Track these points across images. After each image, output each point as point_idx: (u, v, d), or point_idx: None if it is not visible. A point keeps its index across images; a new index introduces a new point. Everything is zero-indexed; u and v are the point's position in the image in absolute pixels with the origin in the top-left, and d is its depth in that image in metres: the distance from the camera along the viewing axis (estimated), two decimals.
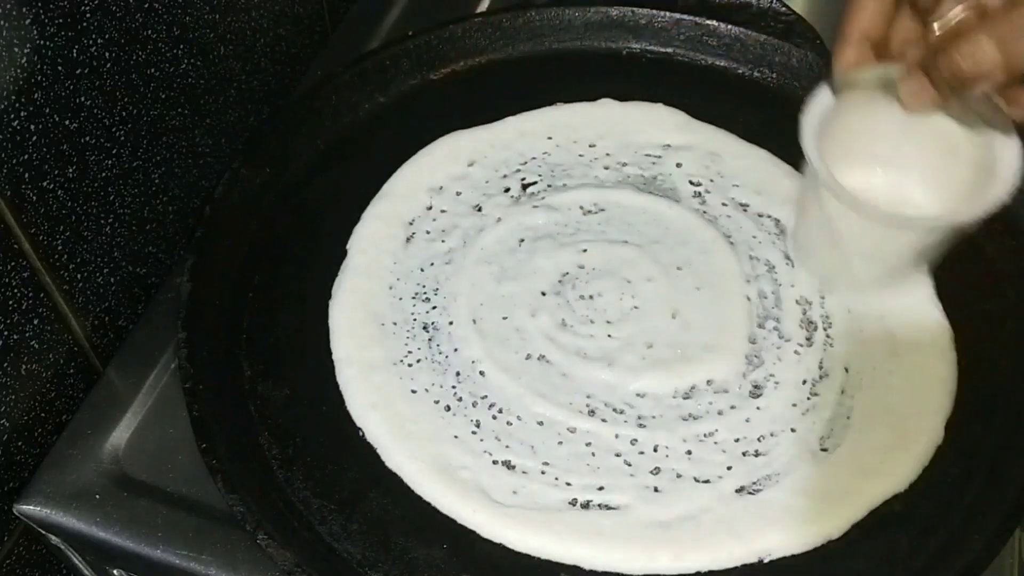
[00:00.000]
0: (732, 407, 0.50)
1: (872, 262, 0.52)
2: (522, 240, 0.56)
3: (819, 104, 0.50)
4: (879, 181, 0.52)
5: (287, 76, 0.69)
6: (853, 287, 0.54)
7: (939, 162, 0.51)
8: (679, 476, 0.48)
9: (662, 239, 0.56)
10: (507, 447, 0.49)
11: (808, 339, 0.52)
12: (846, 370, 0.51)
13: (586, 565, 0.46)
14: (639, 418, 0.50)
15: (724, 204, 0.58)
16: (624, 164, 0.60)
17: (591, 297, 0.54)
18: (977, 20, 0.45)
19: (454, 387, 0.51)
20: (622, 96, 0.63)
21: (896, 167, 0.52)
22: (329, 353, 0.53)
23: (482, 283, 0.55)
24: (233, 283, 0.55)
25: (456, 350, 0.52)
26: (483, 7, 0.75)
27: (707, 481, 0.48)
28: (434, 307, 0.54)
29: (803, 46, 0.64)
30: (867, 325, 0.53)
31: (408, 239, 0.57)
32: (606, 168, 0.60)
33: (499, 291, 0.54)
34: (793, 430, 0.49)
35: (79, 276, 0.54)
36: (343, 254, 0.56)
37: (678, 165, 0.60)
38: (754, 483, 0.48)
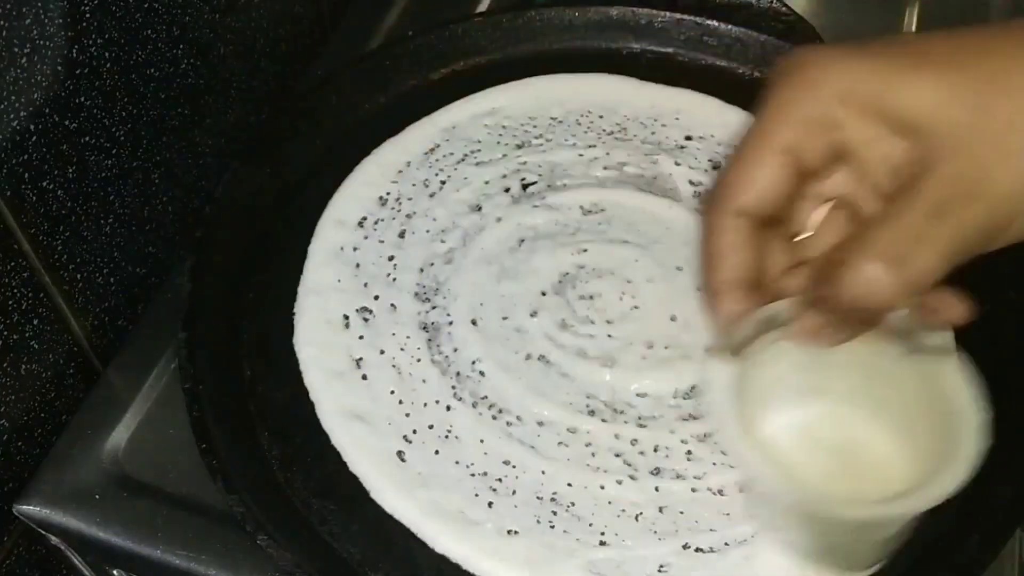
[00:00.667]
0: None
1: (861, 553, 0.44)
2: (522, 240, 0.56)
3: (720, 389, 0.41)
4: (814, 413, 0.44)
5: (287, 76, 0.69)
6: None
7: (875, 387, 0.43)
8: (679, 476, 0.48)
9: (662, 239, 0.56)
10: (507, 447, 0.49)
11: None
12: None
13: None
14: (639, 418, 0.50)
15: None
16: (624, 164, 0.60)
17: (591, 297, 0.54)
18: (853, 229, 0.39)
19: (454, 387, 0.51)
20: None
21: (828, 396, 0.44)
22: None
23: (482, 283, 0.55)
24: (233, 283, 0.55)
25: (456, 350, 0.52)
26: (483, 7, 0.75)
27: (707, 481, 0.48)
28: (434, 307, 0.54)
29: (804, 46, 0.64)
30: None
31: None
32: (606, 168, 0.60)
33: (499, 291, 0.54)
34: None
35: (79, 276, 0.54)
36: None
37: (677, 164, 0.60)
38: (752, 481, 0.48)
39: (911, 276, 0.36)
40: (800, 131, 0.39)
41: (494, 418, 0.50)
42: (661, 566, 0.45)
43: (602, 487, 0.48)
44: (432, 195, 0.58)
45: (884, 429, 0.44)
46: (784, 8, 0.65)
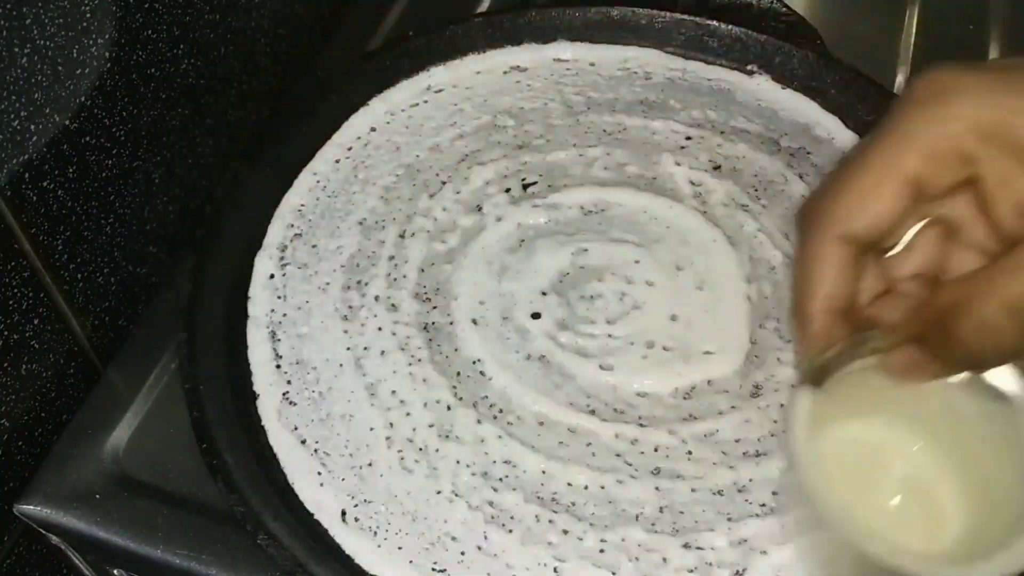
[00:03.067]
0: (732, 407, 0.50)
1: None
2: (522, 240, 0.56)
3: (801, 412, 0.39)
4: (887, 436, 0.43)
5: (287, 76, 0.69)
6: None
7: (955, 428, 0.41)
8: (679, 476, 0.48)
9: (663, 239, 0.56)
10: (507, 447, 0.49)
11: None
12: None
13: None
14: (639, 418, 0.50)
15: (725, 205, 0.58)
16: (624, 164, 0.60)
17: (591, 297, 0.54)
18: (980, 266, 0.37)
19: (454, 387, 0.51)
20: None
21: (905, 423, 0.43)
22: None
23: (482, 283, 0.55)
24: (233, 283, 0.55)
25: (456, 350, 0.52)
26: (483, 7, 0.75)
27: (708, 481, 0.48)
28: (434, 307, 0.54)
29: (803, 46, 0.64)
30: None
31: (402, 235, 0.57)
32: (606, 168, 0.60)
33: (499, 291, 0.54)
34: None
35: (79, 276, 0.54)
36: None
37: (677, 164, 0.60)
38: (752, 481, 0.48)
39: None
40: (928, 163, 0.36)
41: (494, 418, 0.50)
42: (661, 566, 0.45)
43: (602, 487, 0.48)
44: (431, 195, 0.58)
45: (954, 473, 0.41)
46: (784, 8, 0.65)
